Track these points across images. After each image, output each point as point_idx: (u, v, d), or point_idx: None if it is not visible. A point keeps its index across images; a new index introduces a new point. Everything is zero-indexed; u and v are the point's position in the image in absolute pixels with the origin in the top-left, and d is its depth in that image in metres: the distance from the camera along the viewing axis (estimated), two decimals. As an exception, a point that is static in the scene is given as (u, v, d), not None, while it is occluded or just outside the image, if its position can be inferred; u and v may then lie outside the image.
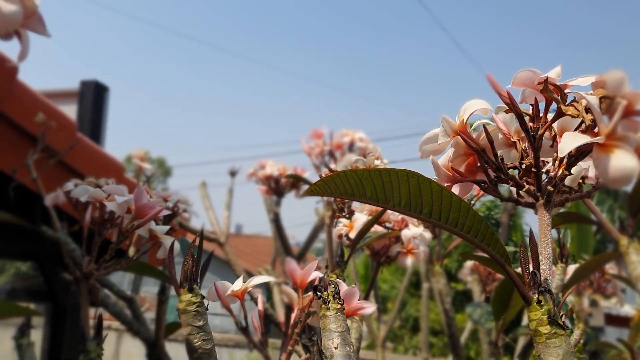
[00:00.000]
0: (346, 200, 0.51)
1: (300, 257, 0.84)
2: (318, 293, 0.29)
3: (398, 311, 1.27)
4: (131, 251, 0.86)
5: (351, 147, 0.76)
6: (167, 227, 0.43)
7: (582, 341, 0.96)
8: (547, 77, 0.26)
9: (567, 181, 0.42)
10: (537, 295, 0.25)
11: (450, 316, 0.66)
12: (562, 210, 0.52)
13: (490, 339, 0.70)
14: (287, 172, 0.89)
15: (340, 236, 0.58)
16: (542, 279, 0.26)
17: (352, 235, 0.57)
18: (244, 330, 0.38)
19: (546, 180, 0.29)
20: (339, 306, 0.29)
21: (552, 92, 0.26)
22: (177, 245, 0.47)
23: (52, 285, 1.73)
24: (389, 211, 0.61)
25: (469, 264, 1.05)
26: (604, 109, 0.25)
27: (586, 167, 0.36)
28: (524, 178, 0.29)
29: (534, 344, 0.25)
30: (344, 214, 0.51)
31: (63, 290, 1.82)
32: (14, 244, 1.73)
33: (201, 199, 1.26)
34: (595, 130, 0.25)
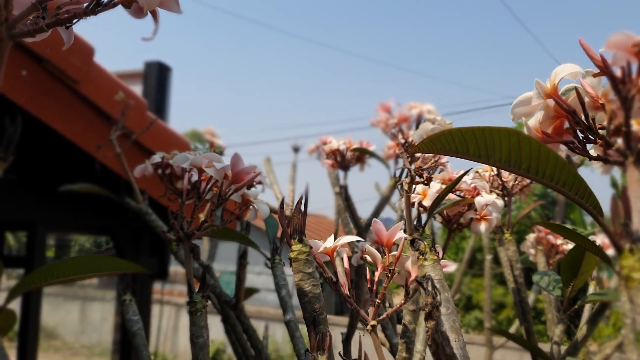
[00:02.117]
0: (424, 168, 0.53)
1: (367, 229, 0.87)
2: (415, 245, 0.32)
3: (458, 285, 1.29)
4: (201, 216, 0.92)
5: (418, 120, 0.78)
6: (259, 191, 0.47)
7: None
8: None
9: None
10: (629, 244, 0.27)
11: (520, 281, 0.67)
12: None
13: (558, 306, 0.71)
14: (353, 146, 0.92)
15: (413, 204, 0.60)
16: (634, 228, 0.28)
17: (426, 202, 0.60)
18: (335, 284, 0.42)
19: (636, 139, 0.30)
20: (435, 257, 0.31)
21: (645, 51, 0.27)
22: (265, 208, 0.52)
23: (124, 257, 1.86)
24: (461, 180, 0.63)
25: (531, 236, 1.05)
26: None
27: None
28: (613, 138, 0.31)
29: (624, 290, 0.27)
30: (422, 180, 0.54)
31: (133, 262, 1.95)
32: (91, 219, 1.86)
33: (266, 174, 1.32)
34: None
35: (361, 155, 0.97)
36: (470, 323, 7.37)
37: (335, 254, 0.44)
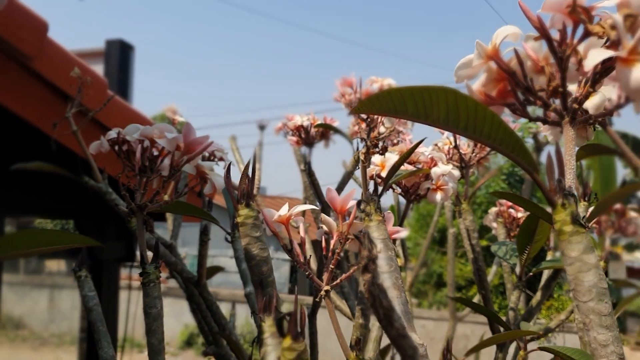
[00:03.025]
0: (379, 138, 0.53)
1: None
2: (361, 207, 0.33)
3: (424, 259, 1.31)
4: (165, 196, 0.91)
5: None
6: (213, 163, 0.47)
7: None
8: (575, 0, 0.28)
9: (591, 110, 0.44)
10: (561, 199, 0.28)
11: (477, 251, 0.69)
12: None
13: (515, 274, 0.74)
14: (317, 122, 0.92)
15: (372, 176, 0.61)
16: (567, 185, 0.29)
17: (384, 174, 0.60)
18: (289, 252, 0.42)
19: (571, 100, 0.31)
20: (380, 218, 0.32)
21: (579, 13, 0.28)
22: (220, 180, 0.51)
23: (90, 241, 1.82)
24: (419, 152, 0.63)
25: (493, 210, 1.07)
26: (627, 27, 0.27)
27: (609, 96, 0.38)
28: (551, 99, 0.32)
29: (558, 243, 0.28)
30: (377, 150, 0.54)
31: (99, 247, 1.91)
32: (53, 202, 1.81)
33: (232, 153, 1.31)
34: (619, 47, 0.27)
35: (325, 131, 0.97)
36: (442, 300, 7.55)
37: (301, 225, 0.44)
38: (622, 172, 8.48)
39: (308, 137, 0.95)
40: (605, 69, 0.29)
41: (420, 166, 0.65)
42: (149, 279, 0.42)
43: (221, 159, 0.81)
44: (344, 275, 0.42)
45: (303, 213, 0.44)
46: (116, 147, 0.69)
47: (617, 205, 0.95)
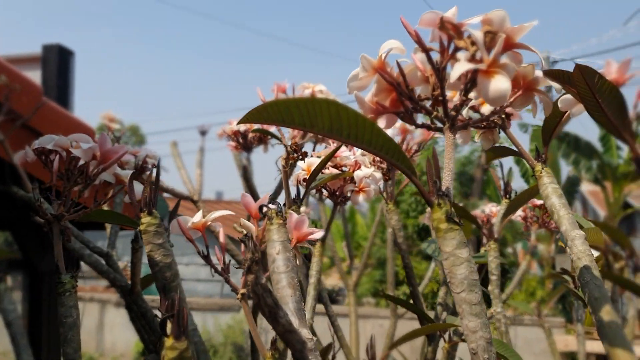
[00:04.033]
0: (299, 144, 0.55)
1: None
2: (263, 211, 0.34)
3: (367, 257, 1.34)
4: (106, 207, 0.90)
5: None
6: (130, 172, 0.48)
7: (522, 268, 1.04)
8: (442, 16, 0.30)
9: (487, 112, 0.47)
10: (437, 200, 0.31)
11: (403, 248, 0.72)
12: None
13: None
14: (254, 127, 0.93)
15: (299, 180, 0.63)
16: (444, 187, 0.32)
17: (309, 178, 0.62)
18: (206, 258, 0.43)
19: (453, 108, 0.34)
20: (281, 221, 0.34)
21: (448, 29, 0.31)
22: (139, 187, 0.52)
23: (28, 253, 1.76)
24: (344, 155, 0.66)
25: (429, 209, 1.12)
26: (487, 42, 0.30)
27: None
28: (435, 107, 0.35)
29: (436, 239, 0.31)
30: (297, 155, 0.56)
31: (39, 258, 1.85)
32: (-11, 213, 1.74)
33: (173, 159, 1.30)
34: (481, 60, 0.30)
35: (264, 136, 0.98)
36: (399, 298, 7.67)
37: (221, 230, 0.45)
38: (565, 169, 8.90)
39: (246, 142, 0.96)
40: (473, 79, 0.32)
41: (347, 169, 0.67)
42: (64, 288, 0.42)
43: (154, 165, 0.81)
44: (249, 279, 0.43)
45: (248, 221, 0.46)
46: (42, 157, 0.68)
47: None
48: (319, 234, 0.48)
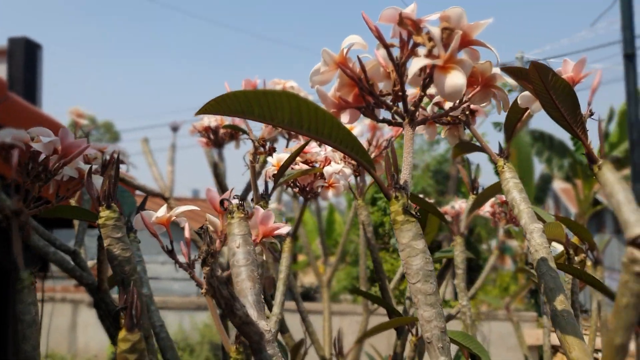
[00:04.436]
0: (266, 139, 0.55)
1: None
2: (224, 206, 0.34)
3: (340, 253, 1.35)
4: (72, 202, 0.88)
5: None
6: (95, 166, 0.47)
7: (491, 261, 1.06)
8: (401, 12, 0.31)
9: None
10: (395, 193, 0.31)
11: (372, 244, 0.73)
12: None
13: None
14: (224, 123, 0.93)
15: (269, 176, 0.63)
16: (402, 181, 0.32)
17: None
18: (170, 253, 0.43)
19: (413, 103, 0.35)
20: (242, 215, 0.34)
21: (407, 25, 0.31)
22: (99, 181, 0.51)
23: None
24: (314, 151, 0.66)
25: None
26: (445, 38, 0.30)
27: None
28: (396, 102, 0.35)
29: (394, 230, 0.31)
30: (264, 150, 0.56)
31: (4, 255, 1.80)
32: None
33: (144, 155, 1.28)
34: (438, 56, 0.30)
35: (235, 132, 0.97)
36: (377, 294, 7.73)
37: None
38: (539, 167, 9.09)
39: (217, 138, 0.95)
40: (431, 75, 0.32)
41: (318, 165, 0.67)
42: (22, 284, 0.41)
43: (122, 162, 0.80)
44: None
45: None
46: (2, 151, 0.66)
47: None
48: (285, 228, 0.48)
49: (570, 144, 8.68)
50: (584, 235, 0.73)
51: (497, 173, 0.50)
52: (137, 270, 0.59)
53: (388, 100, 0.36)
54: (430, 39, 0.30)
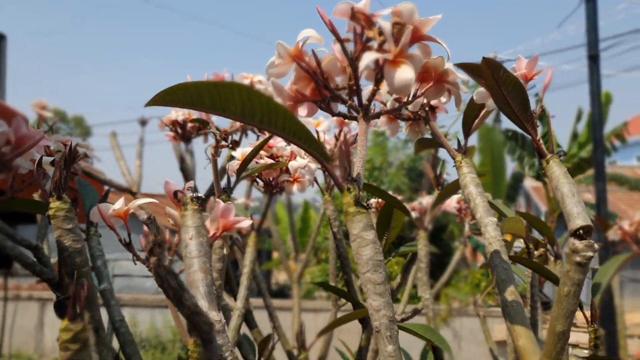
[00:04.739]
0: (228, 132, 0.55)
1: (206, 199, 0.88)
2: (177, 197, 0.34)
3: (311, 249, 1.36)
4: (35, 196, 0.86)
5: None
6: (51, 158, 0.46)
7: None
8: (353, 7, 0.31)
9: (412, 107, 0.48)
10: (347, 185, 0.32)
11: (339, 238, 0.74)
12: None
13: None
14: (192, 116, 0.92)
15: (232, 170, 0.63)
16: (355, 173, 0.33)
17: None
18: (128, 246, 0.43)
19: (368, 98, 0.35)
20: (195, 207, 0.34)
21: (360, 19, 0.32)
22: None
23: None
24: (280, 146, 0.66)
25: (372, 201, 1.14)
26: (396, 33, 0.31)
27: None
28: (351, 97, 0.35)
29: (346, 222, 0.32)
30: (227, 144, 0.56)
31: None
32: None
33: (112, 150, 1.26)
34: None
35: (204, 126, 0.97)
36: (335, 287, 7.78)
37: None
38: (511, 165, 9.27)
39: (185, 132, 0.94)
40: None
41: (284, 160, 0.68)
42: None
43: (86, 155, 0.79)
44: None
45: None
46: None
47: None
48: (246, 222, 0.48)
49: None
50: (543, 231, 0.75)
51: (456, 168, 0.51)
52: (98, 264, 0.59)
53: (345, 94, 0.36)
54: (381, 33, 0.31)
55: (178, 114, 0.93)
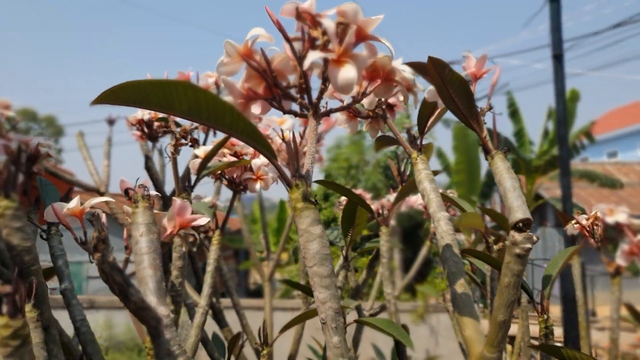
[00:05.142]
0: (188, 130, 0.56)
1: (169, 199, 0.88)
2: (129, 194, 0.34)
3: (282, 248, 1.36)
4: None
5: (218, 87, 0.80)
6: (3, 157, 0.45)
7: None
8: (298, 7, 0.32)
9: (366, 105, 0.49)
10: (295, 181, 0.32)
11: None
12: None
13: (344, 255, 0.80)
14: (157, 116, 0.91)
15: (194, 168, 0.63)
16: (304, 170, 0.33)
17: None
18: (83, 244, 0.43)
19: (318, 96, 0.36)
20: (147, 204, 0.34)
21: (305, 19, 0.32)
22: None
23: None
24: (242, 144, 0.67)
25: (342, 198, 1.15)
26: (340, 33, 0.32)
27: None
28: (302, 95, 0.36)
29: (294, 217, 0.33)
30: (186, 142, 0.56)
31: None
32: None
33: (79, 150, 1.24)
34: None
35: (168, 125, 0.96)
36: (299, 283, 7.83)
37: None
38: (485, 163, 9.43)
39: (151, 131, 0.93)
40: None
41: (248, 158, 0.68)
42: None
43: (48, 154, 0.78)
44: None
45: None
46: None
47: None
48: (203, 220, 0.48)
49: (513, 140, 9.05)
50: (504, 225, 0.77)
51: (412, 164, 0.52)
52: (59, 263, 0.58)
53: (296, 92, 0.37)
54: (325, 33, 0.31)
55: (144, 113, 0.92)
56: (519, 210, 0.34)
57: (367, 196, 1.19)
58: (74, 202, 0.42)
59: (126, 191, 0.35)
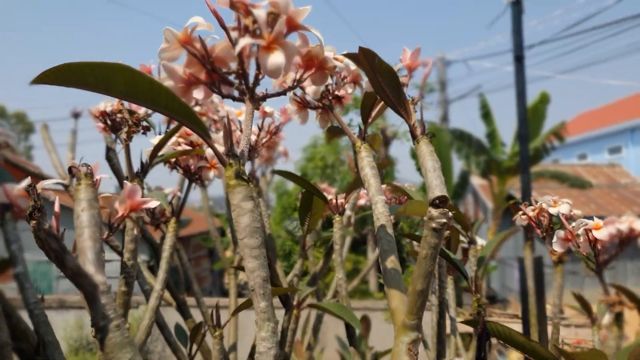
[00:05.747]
0: (140, 118, 0.57)
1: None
2: (72, 173, 0.36)
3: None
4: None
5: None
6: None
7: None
8: (231, -4, 0.34)
9: (311, 94, 0.52)
10: (229, 160, 0.35)
11: (268, 233, 0.77)
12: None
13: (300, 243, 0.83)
14: (120, 108, 0.92)
15: (148, 156, 0.64)
16: (239, 150, 0.36)
17: (160, 154, 0.64)
18: (20, 214, 0.44)
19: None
20: (89, 182, 0.36)
21: (238, 9, 0.35)
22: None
23: None
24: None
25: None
26: (270, 22, 0.34)
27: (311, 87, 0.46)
28: (241, 80, 0.39)
29: (227, 193, 0.35)
30: (138, 129, 0.58)
31: None
32: None
33: (43, 142, 1.24)
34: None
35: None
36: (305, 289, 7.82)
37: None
38: (458, 164, 9.59)
39: (114, 123, 0.94)
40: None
41: (205, 147, 0.70)
42: None
43: (7, 144, 0.78)
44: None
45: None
46: None
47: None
48: (153, 203, 0.50)
49: (486, 141, 9.23)
50: (456, 216, 0.81)
51: (355, 152, 0.55)
52: (13, 248, 0.59)
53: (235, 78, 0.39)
54: (255, 21, 0.34)
55: (107, 104, 0.93)
56: (437, 189, 0.37)
57: (332, 190, 1.22)
58: (26, 183, 0.44)
59: (69, 169, 0.37)
